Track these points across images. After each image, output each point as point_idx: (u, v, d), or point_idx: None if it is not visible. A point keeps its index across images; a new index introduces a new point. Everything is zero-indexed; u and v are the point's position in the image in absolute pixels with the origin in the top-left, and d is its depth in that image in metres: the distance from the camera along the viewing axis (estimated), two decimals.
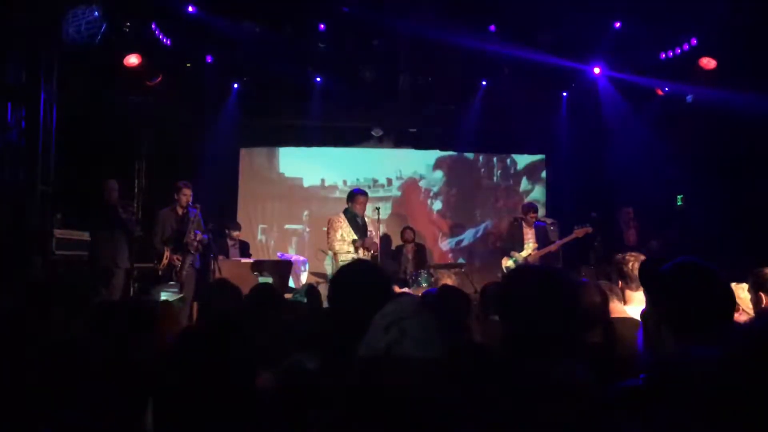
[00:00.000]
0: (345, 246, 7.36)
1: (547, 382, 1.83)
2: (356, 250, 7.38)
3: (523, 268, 2.17)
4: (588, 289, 2.92)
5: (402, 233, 10.00)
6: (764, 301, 3.42)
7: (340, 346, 2.10)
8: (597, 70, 9.26)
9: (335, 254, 7.47)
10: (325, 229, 7.82)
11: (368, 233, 7.60)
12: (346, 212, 7.54)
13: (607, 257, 8.57)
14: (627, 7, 7.90)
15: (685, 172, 8.94)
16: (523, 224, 8.76)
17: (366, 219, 7.76)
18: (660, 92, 9.30)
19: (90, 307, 3.13)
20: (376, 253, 7.64)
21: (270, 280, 7.62)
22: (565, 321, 1.93)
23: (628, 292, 3.67)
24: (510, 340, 1.95)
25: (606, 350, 2.75)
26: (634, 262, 3.67)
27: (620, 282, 3.73)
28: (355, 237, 7.38)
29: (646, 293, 2.15)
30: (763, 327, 2.04)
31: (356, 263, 2.37)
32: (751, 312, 3.57)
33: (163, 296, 6.28)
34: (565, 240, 8.63)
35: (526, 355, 1.90)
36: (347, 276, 2.27)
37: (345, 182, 11.03)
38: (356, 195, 7.61)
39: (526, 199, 10.64)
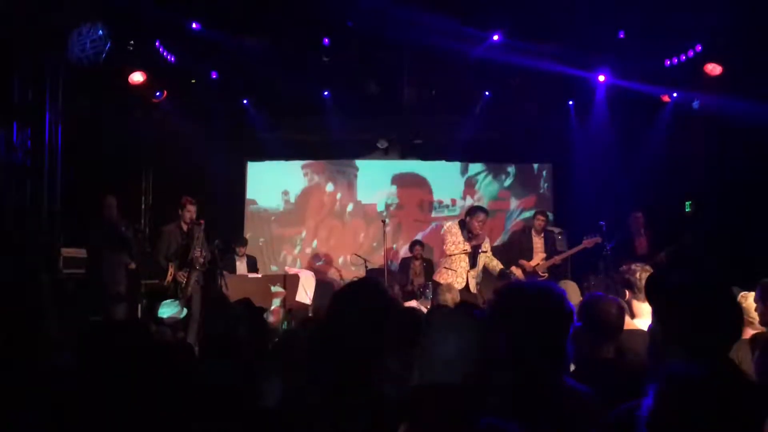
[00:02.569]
0: (460, 247, 7.24)
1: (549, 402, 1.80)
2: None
3: (508, 286, 2.15)
4: (605, 304, 2.87)
5: (411, 248, 9.97)
6: None
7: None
8: (602, 78, 9.22)
9: (449, 257, 7.34)
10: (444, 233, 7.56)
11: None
12: (461, 224, 7.41)
13: (617, 266, 8.51)
14: (632, 14, 7.86)
15: (693, 178, 8.88)
16: (532, 233, 8.70)
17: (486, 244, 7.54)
18: (666, 99, 9.26)
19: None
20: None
21: (282, 290, 7.62)
22: (554, 337, 1.91)
23: (636, 303, 3.61)
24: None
25: (619, 367, 2.69)
26: (641, 272, 3.62)
27: (627, 293, 3.68)
28: (467, 247, 7.25)
29: (653, 308, 2.11)
30: None
31: (361, 282, 2.34)
32: (756, 322, 3.51)
33: (166, 314, 6.26)
34: (574, 250, 8.57)
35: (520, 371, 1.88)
36: (349, 296, 2.23)
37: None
38: (476, 211, 7.35)
39: (534, 209, 10.60)
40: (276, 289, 8.14)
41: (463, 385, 1.89)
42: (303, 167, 11.24)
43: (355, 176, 11.32)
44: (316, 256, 11.04)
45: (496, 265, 7.62)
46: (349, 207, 11.24)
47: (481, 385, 1.92)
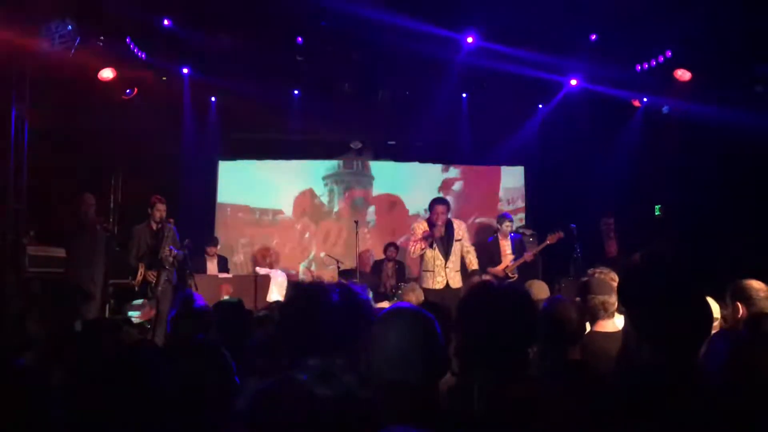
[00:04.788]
0: (418, 245, 7.09)
1: (503, 400, 1.81)
2: (431, 245, 7.07)
3: (476, 287, 2.15)
4: (564, 306, 2.88)
5: (385, 249, 9.94)
6: (740, 311, 3.46)
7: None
8: (574, 82, 9.31)
9: (422, 259, 7.20)
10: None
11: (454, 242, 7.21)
12: (428, 220, 7.26)
13: (586, 269, 8.58)
14: (603, 20, 7.95)
15: (663, 183, 9.00)
16: (499, 236, 8.68)
17: (456, 225, 7.33)
18: (636, 103, 9.38)
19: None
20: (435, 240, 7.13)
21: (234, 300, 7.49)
22: (516, 336, 1.92)
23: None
24: (462, 356, 1.94)
25: (584, 366, 2.71)
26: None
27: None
28: (423, 245, 7.06)
29: (625, 309, 2.13)
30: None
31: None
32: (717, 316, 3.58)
33: (134, 314, 6.18)
34: (539, 248, 8.54)
35: (477, 371, 1.89)
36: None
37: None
38: (433, 204, 7.26)
39: (504, 211, 10.65)
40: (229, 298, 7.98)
41: (410, 383, 1.87)
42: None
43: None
44: (288, 257, 10.97)
45: (471, 261, 7.44)
46: (328, 207, 11.19)
47: (429, 384, 1.91)
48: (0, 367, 2.65)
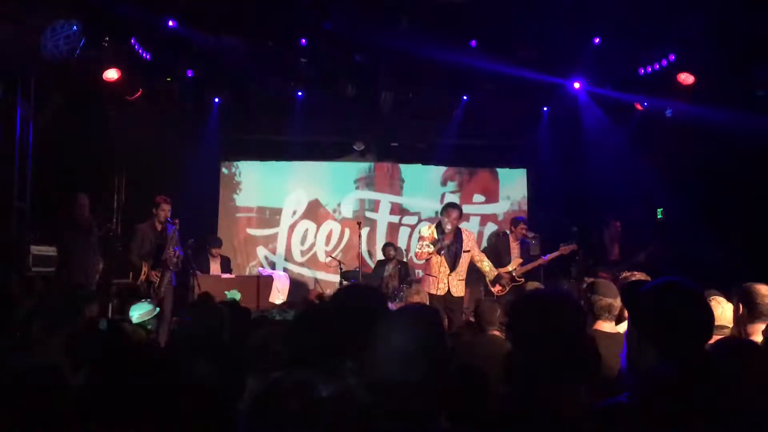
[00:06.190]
0: (425, 249, 7.07)
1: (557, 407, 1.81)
2: (439, 251, 7.03)
3: (534, 294, 2.15)
4: None
5: (383, 250, 9.96)
6: (740, 311, 3.54)
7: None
8: (577, 85, 9.31)
9: (428, 263, 7.19)
10: None
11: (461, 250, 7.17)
12: (437, 225, 7.24)
13: (588, 271, 8.59)
14: (606, 23, 7.96)
15: (665, 186, 9.00)
16: (510, 238, 8.69)
17: (465, 236, 7.28)
18: (639, 107, 9.38)
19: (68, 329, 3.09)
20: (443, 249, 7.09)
21: (238, 296, 7.51)
22: (577, 346, 1.93)
23: None
24: (522, 366, 1.95)
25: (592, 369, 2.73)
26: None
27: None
28: (430, 249, 7.03)
29: (628, 312, 2.14)
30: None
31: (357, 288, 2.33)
32: (730, 324, 3.62)
33: (137, 314, 6.19)
34: (551, 257, 8.52)
35: (539, 380, 1.89)
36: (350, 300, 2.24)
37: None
38: (447, 208, 7.23)
39: (507, 213, 10.68)
40: (232, 293, 7.99)
41: (412, 384, 1.88)
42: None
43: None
44: (290, 258, 10.98)
45: (490, 269, 7.45)
46: (329, 208, 11.19)
47: (431, 386, 1.92)
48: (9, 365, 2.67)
